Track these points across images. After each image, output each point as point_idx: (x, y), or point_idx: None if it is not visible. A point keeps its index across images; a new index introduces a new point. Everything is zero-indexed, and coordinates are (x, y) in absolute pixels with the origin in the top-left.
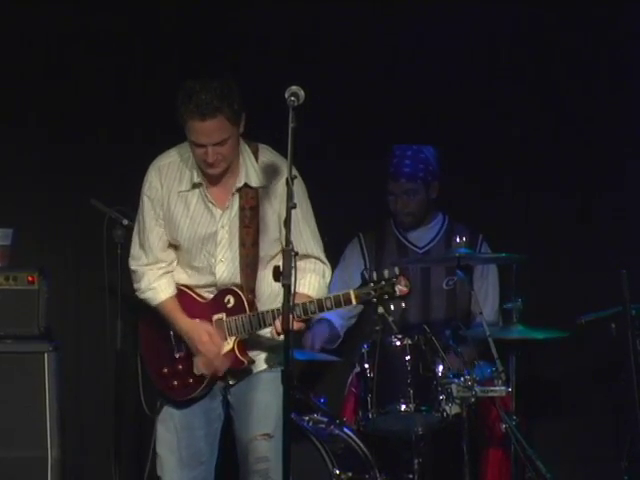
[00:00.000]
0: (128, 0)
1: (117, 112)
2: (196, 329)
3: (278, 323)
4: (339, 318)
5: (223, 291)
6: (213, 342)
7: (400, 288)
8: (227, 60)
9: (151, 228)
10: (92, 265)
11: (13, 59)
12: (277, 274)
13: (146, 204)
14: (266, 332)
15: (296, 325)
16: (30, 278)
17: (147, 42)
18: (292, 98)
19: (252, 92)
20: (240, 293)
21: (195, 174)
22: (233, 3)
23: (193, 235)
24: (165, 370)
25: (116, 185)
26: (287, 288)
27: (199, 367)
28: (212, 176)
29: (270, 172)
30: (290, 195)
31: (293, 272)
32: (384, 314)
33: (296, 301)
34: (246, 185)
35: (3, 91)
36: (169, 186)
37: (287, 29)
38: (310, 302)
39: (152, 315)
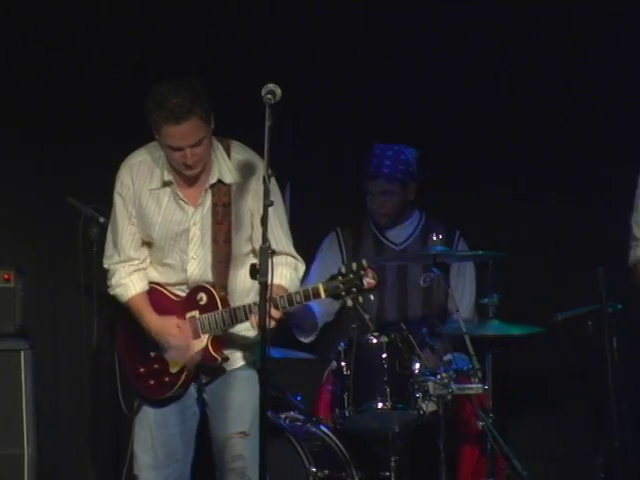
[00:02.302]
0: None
1: (92, 112)
2: (165, 324)
3: (254, 318)
4: (320, 309)
5: (195, 288)
6: (183, 334)
7: (368, 281)
8: (203, 59)
9: (124, 227)
10: (68, 263)
11: None
12: (254, 272)
13: (118, 203)
14: (240, 329)
15: (273, 315)
16: (6, 276)
17: (126, 38)
18: (269, 96)
19: (230, 90)
20: (212, 290)
21: (165, 173)
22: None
23: (165, 232)
24: (141, 369)
25: (92, 183)
26: (263, 285)
27: (172, 361)
28: (188, 176)
29: (243, 169)
30: (267, 193)
31: (270, 270)
32: (355, 306)
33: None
34: (219, 181)
35: None
36: (140, 184)
37: (266, 26)
38: (280, 297)
39: (128, 314)
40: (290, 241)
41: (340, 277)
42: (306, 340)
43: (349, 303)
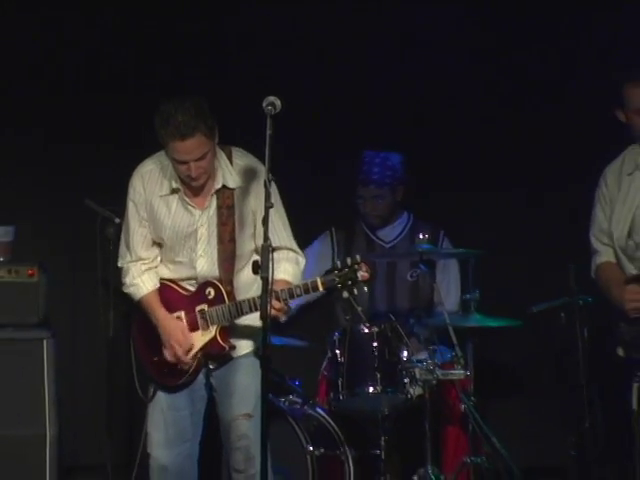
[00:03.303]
0: (120, 3)
1: (110, 121)
2: (172, 326)
3: (275, 304)
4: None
5: (204, 284)
6: (186, 341)
7: (362, 274)
8: (209, 70)
9: (135, 229)
10: (87, 260)
11: (11, 62)
12: (256, 268)
13: (131, 208)
14: (245, 320)
15: (275, 307)
16: (30, 271)
17: (139, 47)
18: (269, 107)
19: (233, 101)
20: (220, 285)
21: (173, 181)
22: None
23: (175, 233)
24: (155, 359)
25: (109, 186)
26: (265, 280)
27: (167, 354)
28: (194, 186)
29: (245, 173)
30: (268, 196)
31: (270, 266)
32: (349, 298)
33: (276, 287)
34: (224, 187)
35: (3, 94)
36: (151, 190)
37: (265, 43)
38: (282, 290)
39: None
40: (291, 237)
41: (336, 271)
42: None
43: (345, 295)
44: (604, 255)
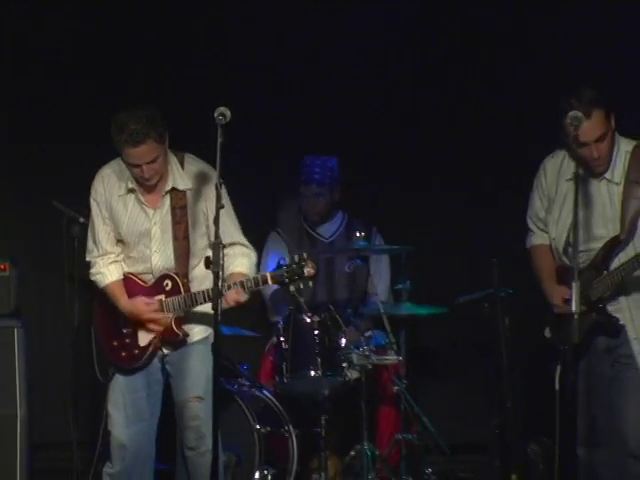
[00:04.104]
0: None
1: (75, 124)
2: (134, 304)
3: (232, 294)
4: None
5: (162, 276)
6: (150, 307)
7: (308, 270)
8: (165, 82)
9: (99, 227)
10: (53, 256)
11: None
12: (208, 263)
13: (94, 207)
14: (199, 310)
15: (242, 298)
16: (2, 267)
17: (109, 48)
18: (220, 117)
19: (186, 111)
20: (176, 278)
21: (129, 182)
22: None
23: (131, 231)
24: (115, 343)
25: (73, 188)
26: (216, 274)
27: (149, 329)
28: (147, 186)
29: (196, 177)
30: (219, 198)
31: (221, 261)
32: (295, 293)
33: (233, 280)
34: (174, 189)
35: None
36: (110, 191)
37: (217, 57)
38: (234, 283)
39: (104, 298)
40: (242, 234)
41: (285, 267)
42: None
43: (292, 289)
44: (540, 238)
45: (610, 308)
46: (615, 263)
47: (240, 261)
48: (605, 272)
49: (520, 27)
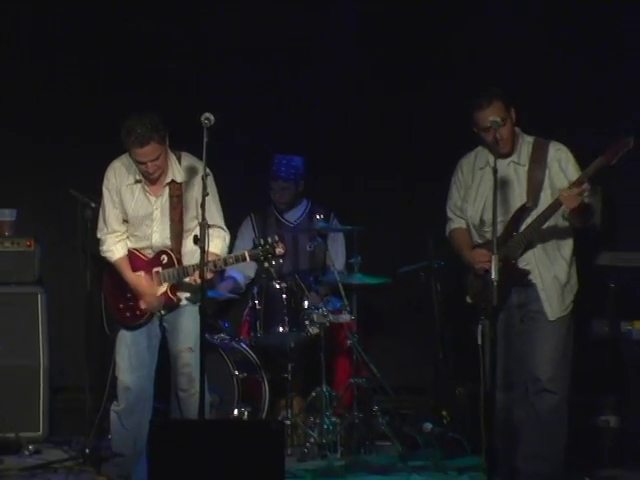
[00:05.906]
0: (110, 6)
1: (92, 122)
2: (139, 280)
3: (197, 274)
4: (242, 277)
5: (160, 252)
6: (150, 285)
7: (279, 250)
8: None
9: (110, 209)
10: (70, 235)
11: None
12: (196, 240)
13: (106, 193)
14: (189, 280)
15: (209, 275)
16: (28, 243)
17: (121, 51)
18: (205, 121)
19: (180, 116)
20: (171, 253)
21: (136, 174)
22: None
23: (137, 214)
24: (121, 305)
25: (87, 179)
26: (202, 249)
27: (142, 304)
28: (151, 179)
29: (189, 171)
30: (204, 187)
31: (206, 239)
32: (269, 268)
33: (209, 259)
34: (173, 181)
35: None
36: (120, 180)
37: (202, 65)
38: (218, 259)
39: (112, 269)
40: (222, 218)
41: (260, 247)
42: (237, 295)
43: (266, 265)
44: (457, 223)
45: (521, 265)
46: (523, 227)
47: (215, 243)
48: (515, 233)
49: (488, 33)
